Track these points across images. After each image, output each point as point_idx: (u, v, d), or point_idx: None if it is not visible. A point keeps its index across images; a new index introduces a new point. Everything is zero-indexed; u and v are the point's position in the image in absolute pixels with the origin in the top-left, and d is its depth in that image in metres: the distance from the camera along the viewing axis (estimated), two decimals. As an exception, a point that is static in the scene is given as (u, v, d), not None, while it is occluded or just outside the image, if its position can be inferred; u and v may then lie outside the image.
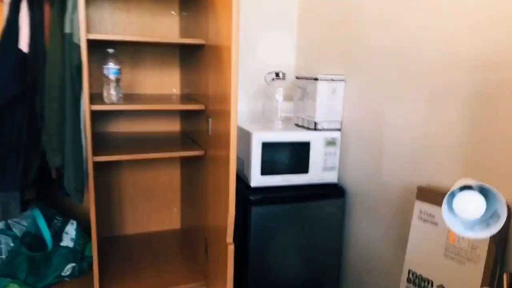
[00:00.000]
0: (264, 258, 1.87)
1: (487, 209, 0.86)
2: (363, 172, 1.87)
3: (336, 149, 1.98)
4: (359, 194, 1.90)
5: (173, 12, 2.04)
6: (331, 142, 1.97)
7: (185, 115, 2.09)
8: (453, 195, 0.88)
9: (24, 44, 1.36)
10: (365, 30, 1.80)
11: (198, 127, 1.82)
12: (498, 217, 0.83)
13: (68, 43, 1.39)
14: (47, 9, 1.41)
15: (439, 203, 1.34)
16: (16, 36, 1.35)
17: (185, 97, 1.98)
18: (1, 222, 1.55)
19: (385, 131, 1.70)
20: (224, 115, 1.37)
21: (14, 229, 1.57)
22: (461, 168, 1.33)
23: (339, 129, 2.00)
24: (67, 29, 1.39)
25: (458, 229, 0.86)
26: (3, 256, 1.54)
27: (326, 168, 1.98)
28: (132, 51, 1.99)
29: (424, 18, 1.47)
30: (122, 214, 2.13)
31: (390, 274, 1.69)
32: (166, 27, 2.05)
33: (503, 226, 0.81)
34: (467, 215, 0.84)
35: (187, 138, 1.97)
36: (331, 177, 2.00)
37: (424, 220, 1.44)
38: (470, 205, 0.83)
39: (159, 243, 2.07)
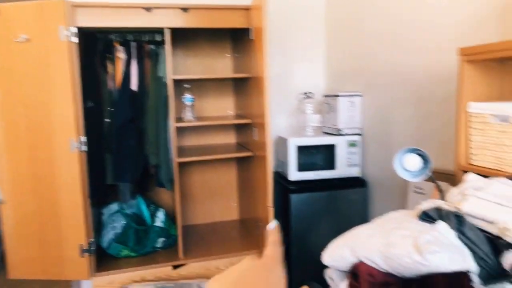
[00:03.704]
0: (303, 236, 2.42)
1: (426, 166, 1.37)
2: (379, 166, 2.38)
3: (357, 149, 2.51)
4: (377, 183, 2.41)
5: (227, 55, 2.74)
6: (352, 144, 2.51)
7: (238, 129, 2.74)
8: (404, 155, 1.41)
9: (134, 85, 2.10)
10: (374, 58, 2.36)
11: (248, 136, 2.45)
12: (428, 168, 1.34)
13: (160, 83, 2.12)
14: (147, 62, 2.16)
15: (427, 179, 1.82)
16: (129, 80, 2.10)
17: (237, 116, 2.64)
18: (117, 204, 2.27)
19: (391, 130, 2.23)
20: (263, 126, 1.99)
21: (126, 211, 2.28)
22: (438, 147, 1.84)
23: (359, 134, 2.53)
24: (160, 74, 2.12)
25: (405, 176, 1.38)
26: (119, 230, 2.24)
27: (350, 165, 2.51)
28: (199, 85, 2.70)
29: (414, 44, 2.02)
30: (194, 208, 2.79)
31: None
32: (223, 66, 2.75)
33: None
34: (409, 167, 1.37)
35: (240, 147, 2.61)
36: (354, 172, 2.52)
37: (416, 193, 1.93)
38: (410, 160, 1.36)
39: (223, 228, 2.70)
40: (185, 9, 2.12)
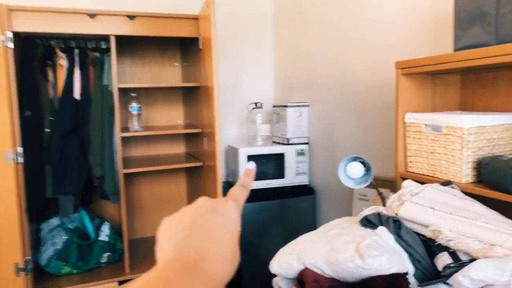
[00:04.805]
0: (253, 244, 2.42)
1: (368, 173, 1.44)
2: (326, 173, 2.45)
3: (305, 158, 2.57)
4: (324, 191, 2.48)
5: (176, 64, 2.71)
6: (301, 153, 2.56)
7: (188, 139, 2.71)
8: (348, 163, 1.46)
9: (77, 93, 2.01)
10: (320, 69, 2.44)
11: (198, 146, 2.43)
12: (370, 175, 1.41)
13: (106, 91, 2.04)
14: (91, 70, 2.08)
15: (369, 186, 1.90)
16: (72, 89, 2.01)
17: (187, 126, 2.61)
18: (58, 219, 2.14)
19: (336, 139, 2.31)
20: (213, 135, 1.98)
21: (67, 225, 2.16)
22: (380, 155, 1.93)
23: (307, 143, 2.59)
24: (105, 82, 2.05)
25: (348, 184, 1.43)
26: (60, 247, 2.12)
27: (298, 173, 2.57)
28: (147, 94, 2.64)
29: (357, 57, 2.12)
30: (143, 220, 2.71)
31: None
32: (171, 75, 2.71)
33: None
34: (353, 175, 1.42)
35: (190, 157, 2.58)
36: (303, 180, 2.57)
37: (361, 199, 2.01)
38: (354, 168, 1.41)
39: (172, 241, 2.63)
40: (131, 17, 2.07)
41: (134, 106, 2.18)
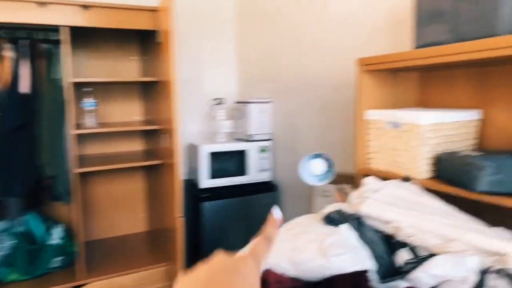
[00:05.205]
0: (215, 244, 2.37)
1: (330, 170, 1.43)
2: (289, 170, 2.45)
3: (268, 155, 2.56)
4: (287, 187, 2.47)
5: (132, 57, 2.60)
6: (263, 150, 2.54)
7: (146, 136, 2.61)
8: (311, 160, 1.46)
9: (24, 87, 1.87)
10: (282, 66, 2.43)
11: (157, 143, 2.35)
12: (332, 172, 1.41)
13: (56, 85, 1.92)
14: (41, 62, 1.94)
15: (332, 182, 1.91)
16: (17, 83, 1.86)
17: (146, 122, 2.51)
18: (5, 223, 2.00)
19: (299, 135, 2.30)
20: (172, 132, 1.91)
21: (14, 229, 2.02)
22: (342, 151, 1.94)
23: (270, 139, 2.57)
24: (57, 76, 1.92)
25: (310, 181, 1.43)
26: (6, 252, 1.97)
27: (261, 170, 2.55)
28: (103, 89, 2.51)
29: (318, 53, 2.12)
30: (99, 222, 2.59)
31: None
32: (129, 69, 2.60)
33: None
34: (315, 172, 1.42)
35: (148, 154, 2.49)
36: (265, 177, 2.56)
37: (323, 196, 2.02)
38: (316, 165, 1.41)
39: (130, 242, 2.54)
40: (86, 7, 1.96)
41: (88, 102, 2.07)
